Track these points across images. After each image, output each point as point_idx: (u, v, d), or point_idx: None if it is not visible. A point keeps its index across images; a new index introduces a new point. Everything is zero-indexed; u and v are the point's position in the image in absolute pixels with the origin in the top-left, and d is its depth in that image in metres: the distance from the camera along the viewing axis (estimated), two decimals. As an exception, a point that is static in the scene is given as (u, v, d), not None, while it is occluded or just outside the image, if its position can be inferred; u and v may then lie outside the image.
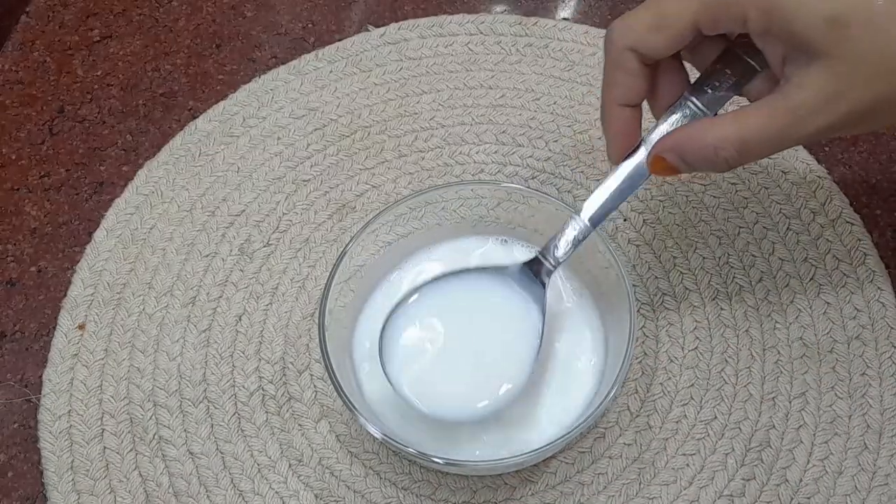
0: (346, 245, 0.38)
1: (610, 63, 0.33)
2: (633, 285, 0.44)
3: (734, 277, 0.44)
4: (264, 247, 0.46)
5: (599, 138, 0.48)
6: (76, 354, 0.43)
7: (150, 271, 0.45)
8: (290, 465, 0.40)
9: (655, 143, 0.33)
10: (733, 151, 0.30)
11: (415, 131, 0.49)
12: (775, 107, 0.30)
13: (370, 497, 0.39)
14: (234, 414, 0.41)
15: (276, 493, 0.39)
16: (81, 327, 0.43)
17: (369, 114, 0.50)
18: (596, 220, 0.35)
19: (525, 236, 0.42)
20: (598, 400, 0.36)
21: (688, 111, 0.33)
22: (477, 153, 0.48)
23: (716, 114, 0.33)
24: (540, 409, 0.38)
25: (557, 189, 0.47)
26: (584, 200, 0.46)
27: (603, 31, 0.52)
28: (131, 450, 0.41)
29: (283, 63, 0.52)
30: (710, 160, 0.31)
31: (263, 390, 0.42)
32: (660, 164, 0.33)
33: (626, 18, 0.32)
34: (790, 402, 0.41)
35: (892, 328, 0.42)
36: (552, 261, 0.36)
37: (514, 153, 0.48)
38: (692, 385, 0.41)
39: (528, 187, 0.45)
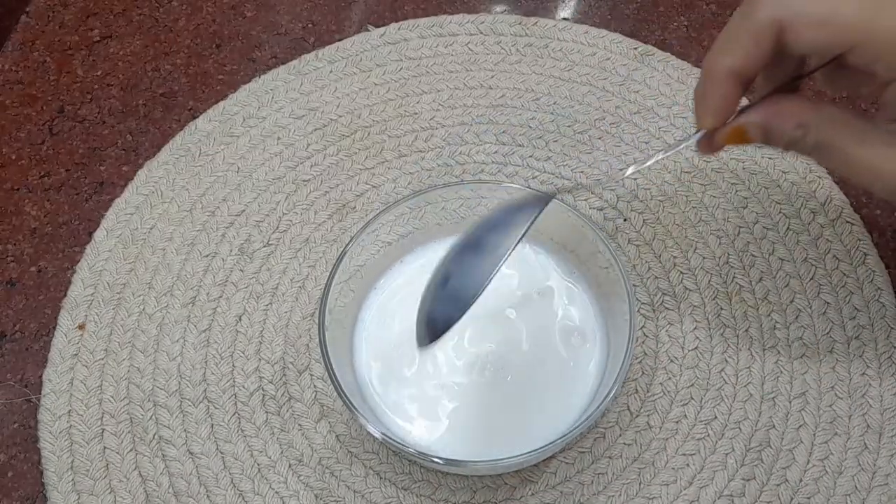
0: (346, 245, 0.38)
1: (746, 28, 0.30)
2: (633, 285, 0.44)
3: (734, 277, 0.44)
4: (264, 247, 0.46)
5: (600, 138, 0.48)
6: (76, 354, 0.43)
7: (150, 271, 0.45)
8: (290, 465, 0.40)
9: (741, 114, 0.32)
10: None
11: (415, 131, 0.49)
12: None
13: (370, 497, 0.39)
14: (234, 414, 0.41)
15: (276, 493, 0.39)
16: (81, 327, 0.43)
17: (369, 114, 0.50)
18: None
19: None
20: (598, 400, 0.36)
21: None
22: (477, 153, 0.48)
23: None
24: (540, 409, 0.38)
25: (557, 189, 0.47)
26: (586, 200, 0.46)
27: (603, 31, 0.52)
28: (131, 450, 0.41)
29: (283, 63, 0.52)
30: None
31: (263, 390, 0.42)
32: (737, 136, 0.32)
33: None
34: (790, 402, 0.41)
35: (892, 328, 0.42)
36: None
37: (514, 153, 0.48)
38: (692, 385, 0.41)
39: (528, 187, 0.45)
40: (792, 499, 0.39)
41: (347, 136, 0.49)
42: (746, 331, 0.42)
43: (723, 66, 0.31)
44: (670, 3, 0.54)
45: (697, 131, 0.33)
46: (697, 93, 0.32)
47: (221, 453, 0.40)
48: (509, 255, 0.33)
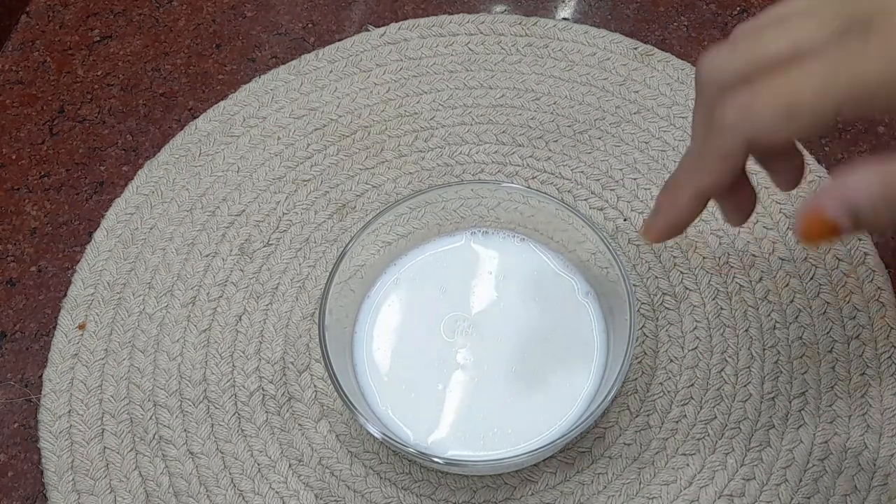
0: (346, 245, 0.38)
1: (715, 150, 0.27)
2: (633, 285, 0.44)
3: (734, 277, 0.44)
4: (264, 247, 0.46)
5: (600, 138, 0.48)
6: (76, 354, 0.43)
7: (150, 271, 0.45)
8: (290, 465, 0.40)
9: (811, 198, 0.25)
10: None
11: (415, 131, 0.49)
12: None
13: (370, 497, 0.39)
14: (234, 414, 0.41)
15: (276, 493, 0.39)
16: (81, 327, 0.44)
17: (369, 114, 0.50)
18: None
19: (525, 235, 0.42)
20: (598, 400, 0.36)
21: None
22: (477, 153, 0.48)
23: None
24: (540, 409, 0.38)
25: (557, 189, 0.47)
26: (586, 200, 0.46)
27: (603, 31, 0.52)
28: (131, 450, 0.41)
29: (283, 63, 0.52)
30: None
31: (263, 390, 0.42)
32: (816, 224, 0.24)
33: (747, 100, 0.25)
34: (790, 402, 0.41)
35: (892, 328, 0.42)
36: None
37: (514, 153, 0.48)
38: (692, 385, 0.41)
39: (529, 187, 0.45)
40: (792, 499, 0.39)
41: (347, 136, 0.49)
42: (746, 331, 0.42)
43: (689, 189, 0.28)
44: (670, 3, 0.54)
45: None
46: (657, 202, 0.30)
47: (221, 453, 0.40)
48: None
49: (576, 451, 0.40)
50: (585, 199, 0.46)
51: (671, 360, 0.42)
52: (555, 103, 0.49)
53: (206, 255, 0.45)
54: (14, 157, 0.50)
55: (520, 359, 0.39)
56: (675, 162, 0.47)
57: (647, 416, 0.40)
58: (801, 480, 0.39)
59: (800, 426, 0.40)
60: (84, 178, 0.49)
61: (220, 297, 0.44)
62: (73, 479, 0.40)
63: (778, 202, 0.46)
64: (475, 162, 0.48)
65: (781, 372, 0.41)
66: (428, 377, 0.39)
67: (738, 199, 0.31)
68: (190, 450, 0.41)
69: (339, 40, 0.53)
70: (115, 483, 0.40)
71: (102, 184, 0.49)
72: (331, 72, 0.51)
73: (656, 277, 0.44)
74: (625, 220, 0.46)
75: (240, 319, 0.44)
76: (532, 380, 0.39)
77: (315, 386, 0.42)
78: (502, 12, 0.54)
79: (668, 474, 0.39)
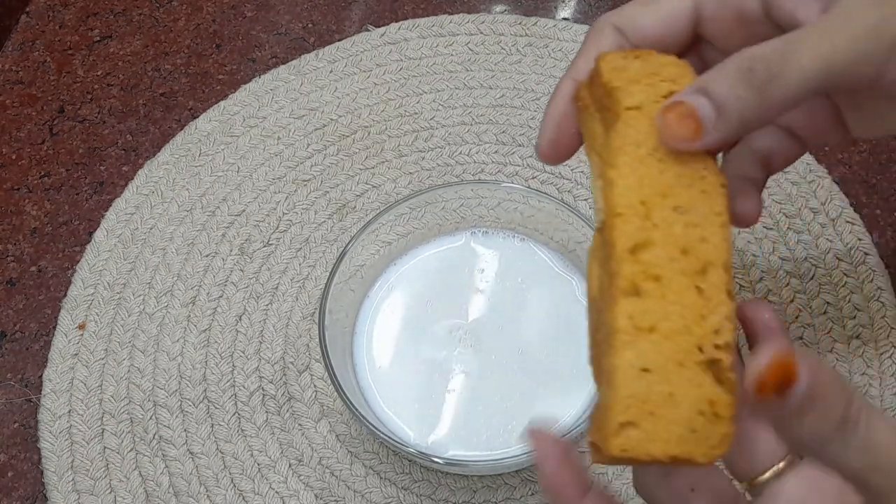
0: (346, 245, 0.38)
1: (585, 40, 0.28)
2: (633, 285, 0.43)
3: (734, 277, 0.44)
4: (264, 247, 0.46)
5: (599, 138, 0.48)
6: (76, 354, 0.43)
7: (150, 271, 0.45)
8: (290, 465, 0.40)
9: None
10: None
11: (415, 131, 0.49)
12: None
13: (370, 497, 0.39)
14: (234, 414, 0.41)
15: (276, 493, 0.39)
16: (82, 327, 0.44)
17: (369, 114, 0.50)
18: None
19: (525, 235, 0.42)
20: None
21: None
22: (477, 153, 0.48)
23: None
24: (540, 409, 0.38)
25: (557, 189, 0.47)
26: (586, 200, 0.46)
27: (603, 31, 0.52)
28: (131, 450, 0.41)
29: (283, 63, 0.52)
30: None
31: (263, 390, 0.42)
32: (675, 116, 0.23)
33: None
34: (790, 402, 0.41)
35: (892, 328, 0.42)
36: None
37: (514, 153, 0.48)
38: (692, 385, 0.41)
39: (529, 187, 0.45)
40: (792, 499, 0.39)
41: (347, 136, 0.49)
42: (746, 331, 0.42)
43: (566, 79, 0.27)
44: (670, 3, 0.54)
45: None
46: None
47: (221, 453, 0.40)
48: None
49: (576, 451, 0.40)
50: (585, 199, 0.46)
51: (671, 360, 0.42)
52: (555, 103, 0.49)
53: (206, 255, 0.45)
54: (14, 157, 0.50)
55: (520, 358, 0.39)
56: (675, 162, 0.47)
57: (647, 416, 0.40)
58: (801, 480, 0.39)
59: (800, 426, 0.40)
60: (84, 178, 0.49)
61: (220, 297, 0.44)
62: (73, 479, 0.40)
63: (778, 202, 0.46)
64: (475, 162, 0.48)
65: (781, 372, 0.41)
66: (428, 377, 0.39)
67: None
68: (190, 450, 0.41)
69: (339, 40, 0.53)
70: (115, 483, 0.40)
71: (102, 184, 0.49)
72: (331, 72, 0.51)
73: (656, 277, 0.44)
74: (625, 220, 0.46)
75: (240, 319, 0.44)
76: (532, 379, 0.39)
77: (315, 386, 0.42)
78: (502, 12, 0.54)
79: (668, 474, 0.39)
